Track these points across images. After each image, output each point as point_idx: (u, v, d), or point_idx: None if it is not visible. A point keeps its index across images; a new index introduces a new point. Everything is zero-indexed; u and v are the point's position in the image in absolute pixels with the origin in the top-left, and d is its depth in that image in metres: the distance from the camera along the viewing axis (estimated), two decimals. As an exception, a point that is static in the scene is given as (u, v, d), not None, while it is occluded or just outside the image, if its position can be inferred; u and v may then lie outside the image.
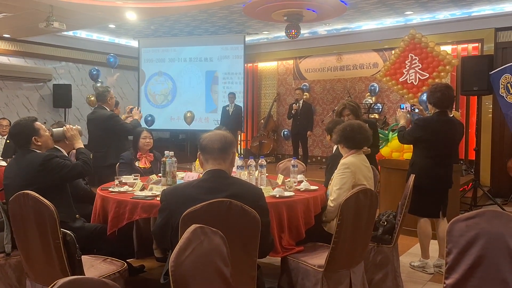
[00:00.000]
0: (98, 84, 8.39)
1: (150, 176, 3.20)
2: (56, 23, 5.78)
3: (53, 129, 2.84)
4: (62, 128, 2.85)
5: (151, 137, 3.70)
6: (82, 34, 8.75)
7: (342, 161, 2.77)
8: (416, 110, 3.65)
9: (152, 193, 2.62)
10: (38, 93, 8.42)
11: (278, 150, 9.17)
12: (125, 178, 2.98)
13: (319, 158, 8.61)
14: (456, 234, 1.69)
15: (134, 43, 9.53)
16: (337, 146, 3.29)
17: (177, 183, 2.78)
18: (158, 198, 2.26)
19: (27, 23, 6.67)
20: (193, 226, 1.32)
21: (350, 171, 2.67)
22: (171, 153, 2.91)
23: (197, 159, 2.07)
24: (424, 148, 3.34)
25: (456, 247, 1.67)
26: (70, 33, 8.32)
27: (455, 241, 1.68)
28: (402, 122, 3.54)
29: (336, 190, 2.65)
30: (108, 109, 4.35)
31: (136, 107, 4.59)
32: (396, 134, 3.61)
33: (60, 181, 2.54)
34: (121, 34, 8.94)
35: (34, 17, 6.15)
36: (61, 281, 0.94)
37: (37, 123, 2.63)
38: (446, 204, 3.43)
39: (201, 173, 2.10)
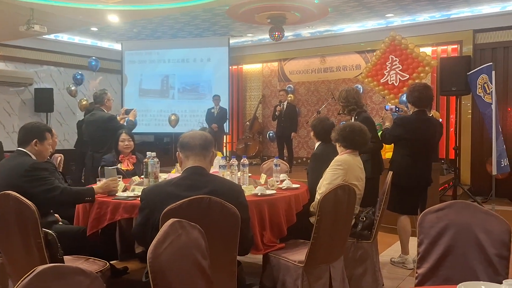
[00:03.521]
0: (73, 88, 8.30)
1: (133, 178, 3.22)
2: (37, 26, 5.74)
3: (105, 168, 2.86)
4: (113, 171, 2.83)
5: (130, 139, 3.72)
6: (64, 37, 8.69)
7: (336, 158, 2.84)
8: (400, 111, 3.75)
9: (134, 194, 2.64)
10: (19, 97, 8.32)
11: (263, 152, 9.23)
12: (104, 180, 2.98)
13: (304, 159, 8.70)
14: (427, 225, 1.77)
15: (117, 46, 9.50)
16: (319, 144, 3.38)
17: (160, 183, 2.81)
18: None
19: (7, 26, 6.61)
20: (171, 220, 1.37)
21: (342, 169, 2.73)
22: (153, 153, 2.93)
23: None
24: (403, 146, 3.44)
25: (427, 238, 1.75)
26: (52, 36, 8.25)
27: (426, 232, 1.76)
28: (387, 123, 3.62)
29: (326, 184, 2.72)
30: (106, 111, 4.57)
31: (132, 108, 4.73)
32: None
33: (37, 194, 2.51)
34: (103, 37, 8.91)
35: (14, 20, 6.10)
36: (40, 267, 0.98)
37: (48, 133, 2.65)
38: (425, 202, 3.52)
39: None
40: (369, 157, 3.43)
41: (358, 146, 2.87)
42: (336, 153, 2.95)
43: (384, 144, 3.86)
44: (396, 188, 3.21)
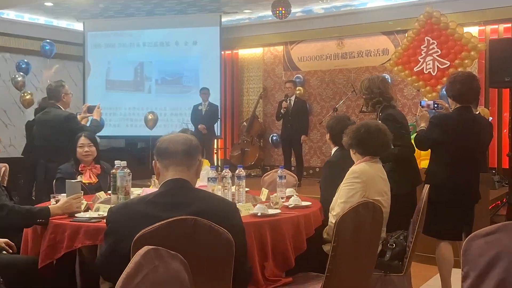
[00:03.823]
0: (20, 79, 8.23)
1: (97, 194, 3.23)
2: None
3: (67, 181, 2.91)
4: (77, 185, 2.87)
5: (91, 144, 3.73)
6: (10, 14, 8.72)
7: (352, 168, 2.85)
8: (440, 108, 3.75)
9: (98, 214, 2.63)
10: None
11: (265, 160, 9.23)
12: (64, 197, 2.98)
13: (317, 169, 8.70)
14: (474, 253, 1.75)
15: (78, 26, 9.52)
16: (336, 149, 3.39)
17: (131, 201, 2.81)
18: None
19: None
20: (145, 248, 1.36)
21: (360, 182, 2.74)
22: (123, 163, 2.94)
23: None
24: (442, 152, 3.44)
25: (474, 270, 1.74)
26: (-6, 13, 8.29)
27: (473, 262, 1.75)
28: (422, 124, 3.62)
29: (341, 204, 2.73)
30: (63, 108, 4.59)
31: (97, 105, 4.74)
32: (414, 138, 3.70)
33: None
34: (60, 14, 8.94)
35: None
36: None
37: None
38: (471, 224, 3.52)
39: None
40: (395, 166, 3.44)
41: (379, 151, 2.88)
42: None
43: (419, 150, 3.86)
44: (434, 206, 3.20)
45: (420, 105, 3.88)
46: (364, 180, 2.74)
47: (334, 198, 2.90)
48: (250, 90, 9.70)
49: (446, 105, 3.68)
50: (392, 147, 3.28)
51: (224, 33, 9.13)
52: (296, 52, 9.13)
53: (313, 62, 8.97)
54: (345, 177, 2.83)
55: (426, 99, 5.32)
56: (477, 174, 3.55)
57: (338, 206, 2.75)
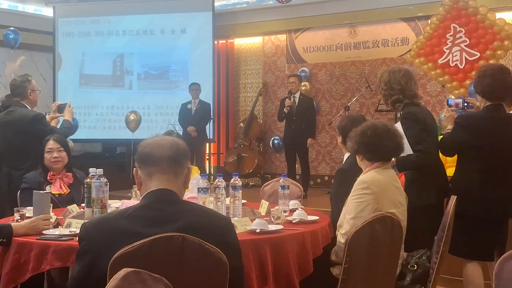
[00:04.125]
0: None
1: (69, 207, 3.21)
2: None
3: (35, 192, 2.96)
4: (45, 197, 2.93)
5: (61, 149, 3.73)
6: (-32, -2, 8.72)
7: (360, 178, 2.85)
8: (471, 107, 3.75)
9: (70, 231, 2.63)
10: None
11: (265, 167, 9.23)
12: (30, 211, 2.99)
13: (326, 178, 8.71)
14: (508, 276, 1.76)
15: (47, 11, 9.54)
16: (348, 155, 3.39)
17: (109, 215, 2.80)
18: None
19: None
20: (124, 271, 1.36)
21: (370, 193, 2.74)
22: (100, 171, 2.93)
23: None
24: (470, 158, 3.44)
25: (509, 296, 1.75)
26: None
27: (507, 286, 1.76)
28: (449, 126, 3.61)
29: (350, 220, 2.72)
30: (30, 107, 4.59)
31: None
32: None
33: None
34: (27, -2, 8.95)
35: None
36: None
37: None
38: (505, 242, 3.52)
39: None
40: (415, 175, 3.44)
41: (390, 155, 2.88)
42: None
43: (444, 156, 3.86)
44: (462, 221, 3.20)
45: (447, 104, 3.87)
46: (375, 191, 2.74)
47: (341, 214, 2.90)
48: (248, 86, 9.70)
49: (478, 103, 3.68)
50: (412, 152, 3.29)
51: (217, 20, 9.14)
52: (301, 42, 9.14)
53: (321, 53, 8.97)
54: (353, 188, 2.82)
55: (453, 97, 5.33)
56: (511, 184, 3.54)
57: (347, 223, 2.74)
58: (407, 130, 3.34)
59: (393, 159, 3.12)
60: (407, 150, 3.21)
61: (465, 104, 3.75)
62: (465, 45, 6.12)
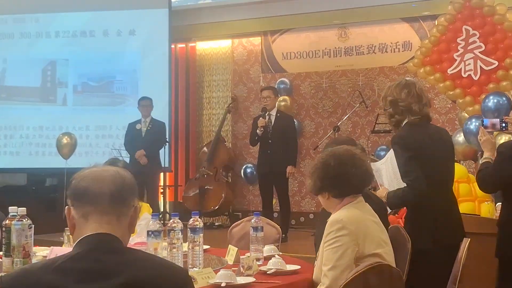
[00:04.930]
0: None
1: (-18, 256, 3.17)
2: None
3: None
4: None
5: None
6: None
7: (331, 218, 2.84)
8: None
9: (-17, 287, 2.59)
10: None
11: (235, 203, 9.25)
12: None
13: (311, 216, 8.73)
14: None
15: (-42, 8, 9.49)
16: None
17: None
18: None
19: None
20: None
21: (348, 233, 2.73)
22: (22, 210, 2.90)
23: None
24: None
25: None
26: None
27: None
28: (487, 153, 3.65)
29: (328, 272, 2.70)
30: None
31: None
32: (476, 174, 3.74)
33: None
34: None
35: None
36: None
37: None
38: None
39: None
40: (408, 212, 3.48)
41: (361, 185, 2.91)
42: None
43: (484, 192, 3.89)
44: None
45: (482, 125, 3.87)
46: (353, 231, 2.74)
47: (316, 267, 2.89)
48: (213, 101, 9.75)
49: None
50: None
51: (175, 18, 9.19)
52: (279, 46, 9.23)
53: (304, 60, 9.07)
54: (325, 233, 2.81)
55: (483, 117, 5.15)
56: None
57: (325, 276, 2.71)
58: (397, 158, 3.35)
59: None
60: (400, 182, 3.26)
61: (503, 125, 3.76)
62: (479, 52, 6.20)
